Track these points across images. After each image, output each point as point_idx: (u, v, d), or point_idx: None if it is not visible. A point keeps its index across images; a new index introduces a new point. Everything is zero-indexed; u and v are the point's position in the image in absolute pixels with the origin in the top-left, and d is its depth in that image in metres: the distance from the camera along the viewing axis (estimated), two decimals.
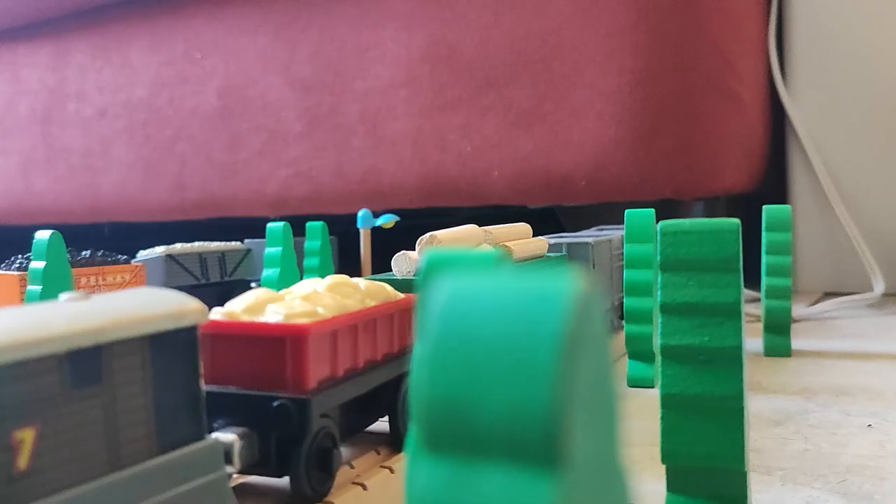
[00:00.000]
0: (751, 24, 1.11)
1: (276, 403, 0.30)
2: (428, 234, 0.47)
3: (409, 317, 0.41)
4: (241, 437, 0.30)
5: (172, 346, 0.25)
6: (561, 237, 0.73)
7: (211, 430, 0.29)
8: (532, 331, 0.11)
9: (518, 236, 0.58)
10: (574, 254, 0.69)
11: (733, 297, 0.28)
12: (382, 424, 0.41)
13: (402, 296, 0.41)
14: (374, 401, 0.39)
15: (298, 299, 0.34)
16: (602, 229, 0.88)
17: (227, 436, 0.29)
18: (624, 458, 0.13)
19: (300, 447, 0.31)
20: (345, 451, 0.39)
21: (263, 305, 0.33)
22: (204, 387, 0.26)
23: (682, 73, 0.93)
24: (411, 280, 0.46)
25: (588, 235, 0.75)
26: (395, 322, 0.39)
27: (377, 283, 0.40)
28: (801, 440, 0.47)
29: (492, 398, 0.11)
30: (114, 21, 1.41)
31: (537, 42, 1.00)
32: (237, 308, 0.33)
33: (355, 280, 0.39)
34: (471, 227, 0.52)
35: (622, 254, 0.75)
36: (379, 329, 0.38)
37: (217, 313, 0.33)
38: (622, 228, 0.83)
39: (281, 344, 0.31)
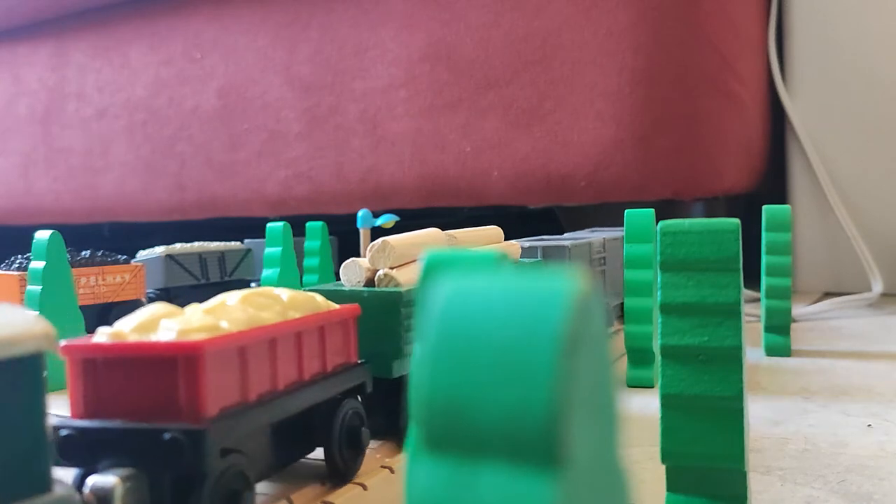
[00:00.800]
0: (751, 24, 1.11)
1: (166, 437, 0.26)
2: (380, 240, 0.42)
3: (346, 331, 0.37)
4: (126, 479, 0.25)
5: (2, 379, 0.21)
6: (537, 240, 0.70)
7: (92, 473, 0.26)
8: (532, 331, 0.11)
9: (487, 240, 0.54)
10: (550, 258, 0.66)
11: (733, 297, 0.28)
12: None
13: (336, 307, 0.37)
14: (307, 429, 0.34)
15: (200, 312, 0.30)
16: (594, 230, 0.87)
17: (106, 479, 0.25)
18: (624, 458, 0.13)
19: (200, 490, 0.26)
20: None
21: (157, 322, 0.29)
22: (51, 426, 0.22)
23: (682, 73, 0.93)
24: (360, 291, 0.42)
25: (567, 238, 0.72)
26: (327, 337, 0.35)
27: (305, 293, 0.36)
28: (801, 440, 0.47)
29: (492, 398, 0.11)
30: (114, 21, 1.41)
31: (537, 42, 1.00)
32: (126, 327, 0.29)
33: (278, 291, 0.35)
34: (431, 232, 0.48)
35: (604, 258, 0.74)
36: (305, 345, 0.33)
37: (102, 334, 0.29)
38: (611, 230, 0.83)
39: (172, 365, 0.27)
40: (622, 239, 0.75)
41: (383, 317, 0.40)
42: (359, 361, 0.38)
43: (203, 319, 0.29)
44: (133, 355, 0.27)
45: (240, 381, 0.29)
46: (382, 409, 0.40)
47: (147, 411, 0.27)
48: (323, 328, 0.35)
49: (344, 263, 0.43)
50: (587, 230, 0.88)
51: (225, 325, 0.29)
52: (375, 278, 0.42)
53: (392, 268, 0.42)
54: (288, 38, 1.21)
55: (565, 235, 0.79)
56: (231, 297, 0.32)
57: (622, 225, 0.63)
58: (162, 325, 0.28)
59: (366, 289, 0.42)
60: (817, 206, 1.14)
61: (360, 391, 0.37)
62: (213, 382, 0.27)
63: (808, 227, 1.15)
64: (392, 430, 0.41)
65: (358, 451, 0.36)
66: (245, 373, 0.29)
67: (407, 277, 0.42)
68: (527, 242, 0.67)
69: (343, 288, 0.42)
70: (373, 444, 0.39)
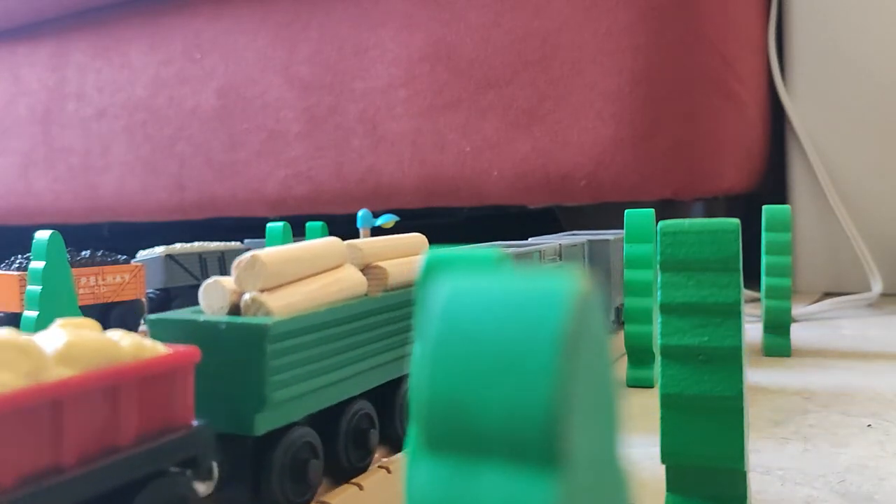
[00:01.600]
0: (751, 24, 1.11)
1: None
2: (249, 254, 0.33)
3: (171, 385, 0.27)
4: None
5: None
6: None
7: None
8: (532, 331, 0.11)
9: (404, 252, 0.44)
10: None
11: (733, 297, 0.28)
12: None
13: (160, 351, 0.27)
14: None
15: None
16: (575, 234, 0.84)
17: None
18: (624, 458, 0.13)
19: None
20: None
21: None
22: None
23: (682, 73, 0.93)
24: (215, 322, 0.31)
25: (514, 245, 0.66)
26: (122, 400, 0.25)
27: (101, 338, 0.26)
28: (801, 440, 0.47)
29: (492, 398, 0.11)
30: (114, 21, 1.41)
31: (537, 42, 1.00)
32: None
33: (50, 337, 0.25)
34: (327, 242, 0.38)
35: (560, 266, 0.71)
36: (71, 417, 0.24)
37: None
38: (578, 234, 0.81)
39: None
40: (583, 245, 0.73)
41: (244, 356, 0.30)
42: (193, 423, 0.28)
43: None
44: None
45: None
46: (244, 475, 0.31)
47: None
48: (116, 388, 0.25)
49: (204, 284, 0.33)
50: (564, 233, 0.86)
51: None
52: (241, 304, 0.32)
53: (263, 290, 0.32)
54: (288, 38, 1.21)
55: (529, 241, 0.74)
56: None
57: (622, 225, 0.63)
58: None
59: (224, 318, 0.31)
60: (817, 206, 1.14)
61: (197, 463, 0.28)
62: None
63: (808, 227, 1.15)
64: (258, 501, 0.32)
65: None
66: None
67: (281, 303, 0.32)
68: None
69: (197, 317, 0.32)
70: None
